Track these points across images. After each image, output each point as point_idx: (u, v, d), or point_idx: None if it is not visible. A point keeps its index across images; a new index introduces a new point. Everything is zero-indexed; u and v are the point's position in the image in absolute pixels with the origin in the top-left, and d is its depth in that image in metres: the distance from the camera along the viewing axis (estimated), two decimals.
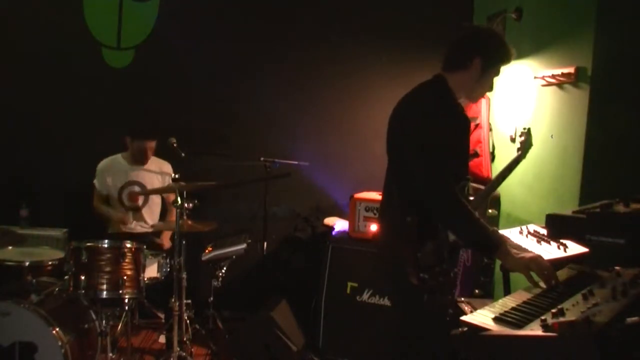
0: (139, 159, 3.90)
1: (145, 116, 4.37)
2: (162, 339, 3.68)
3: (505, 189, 3.65)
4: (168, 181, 3.82)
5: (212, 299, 3.80)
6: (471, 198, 2.38)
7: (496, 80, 2.28)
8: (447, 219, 2.09)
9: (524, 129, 2.87)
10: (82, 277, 2.97)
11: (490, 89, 2.33)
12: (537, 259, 2.00)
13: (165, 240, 3.89)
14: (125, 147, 3.94)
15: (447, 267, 2.19)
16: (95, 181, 3.93)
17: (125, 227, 3.90)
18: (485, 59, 2.17)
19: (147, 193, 3.92)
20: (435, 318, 2.16)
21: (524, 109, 3.50)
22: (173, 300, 3.17)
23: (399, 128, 2.19)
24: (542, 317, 1.52)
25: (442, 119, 2.12)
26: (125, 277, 3.03)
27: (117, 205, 3.92)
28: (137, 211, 3.94)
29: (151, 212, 4.00)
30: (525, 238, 2.66)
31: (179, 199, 3.19)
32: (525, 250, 2.44)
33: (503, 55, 2.21)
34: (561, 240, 2.47)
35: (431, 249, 2.12)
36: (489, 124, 3.99)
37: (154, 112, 4.38)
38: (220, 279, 3.75)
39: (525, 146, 2.84)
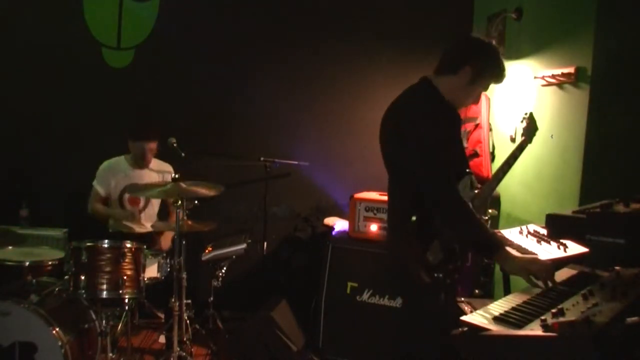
0: (140, 161, 3.89)
1: (145, 117, 4.37)
2: (162, 339, 3.68)
3: (505, 189, 3.65)
4: None
5: (212, 299, 3.81)
6: (476, 191, 2.37)
7: (483, 93, 2.28)
8: (448, 219, 2.09)
9: (526, 114, 2.81)
10: (82, 277, 2.97)
11: (476, 101, 2.34)
12: (536, 261, 2.00)
13: (165, 242, 3.88)
14: (128, 149, 3.93)
15: (460, 264, 2.20)
16: (95, 182, 3.90)
17: (127, 227, 3.89)
18: (475, 69, 2.16)
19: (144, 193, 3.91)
20: (449, 317, 2.16)
21: (524, 109, 3.49)
22: (173, 300, 3.17)
23: (395, 132, 2.19)
24: (542, 317, 1.53)
25: (436, 119, 2.13)
26: (125, 277, 3.03)
27: (117, 208, 3.91)
28: (139, 213, 3.93)
29: (149, 214, 4.00)
30: (525, 238, 2.66)
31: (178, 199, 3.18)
32: (525, 250, 2.44)
33: (494, 71, 2.21)
34: (561, 240, 2.47)
35: (439, 248, 2.13)
36: (489, 124, 3.99)
37: (154, 112, 4.38)
38: (220, 279, 3.75)
39: (530, 131, 2.76)
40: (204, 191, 3.20)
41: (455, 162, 2.23)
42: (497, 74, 2.22)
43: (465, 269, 2.31)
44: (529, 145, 2.76)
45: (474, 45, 2.26)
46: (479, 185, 2.71)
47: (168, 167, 4.00)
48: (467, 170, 2.27)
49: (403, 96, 2.23)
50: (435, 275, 2.11)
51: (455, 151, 2.27)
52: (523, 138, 2.74)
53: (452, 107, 2.27)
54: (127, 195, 3.88)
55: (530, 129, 2.75)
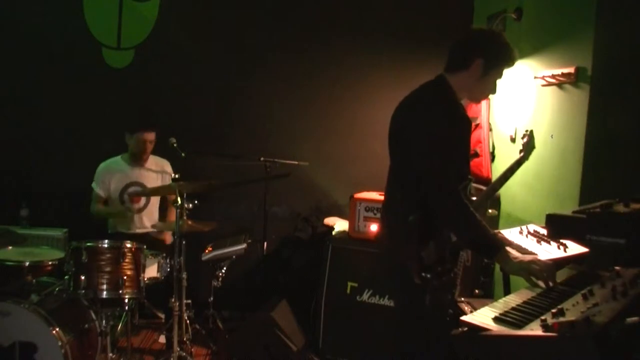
0: (139, 155, 3.87)
1: (143, 108, 4.35)
2: (162, 339, 3.68)
3: (505, 189, 3.64)
4: (168, 180, 3.81)
5: (212, 299, 3.81)
6: (473, 198, 2.38)
7: (499, 83, 2.27)
8: (449, 220, 2.09)
9: (526, 131, 2.85)
10: (82, 277, 2.97)
11: (493, 91, 2.31)
12: (536, 261, 2.00)
13: (167, 236, 3.89)
14: (125, 147, 3.93)
15: (450, 267, 2.20)
16: (94, 184, 3.90)
17: (126, 227, 3.90)
18: (487, 60, 2.16)
19: (146, 194, 3.91)
20: (436, 317, 2.16)
21: (524, 109, 3.50)
22: (173, 300, 3.17)
23: (403, 129, 2.19)
24: (542, 317, 1.53)
25: (445, 120, 2.12)
26: (125, 277, 3.03)
27: (118, 207, 3.91)
28: (139, 212, 3.93)
29: (150, 212, 4.00)
30: (525, 238, 2.66)
31: (179, 199, 3.19)
32: (525, 250, 2.44)
33: (505, 57, 2.20)
34: (561, 240, 2.47)
35: (434, 249, 2.13)
36: (489, 124, 3.99)
37: (154, 110, 4.38)
38: (220, 279, 3.75)
39: (528, 148, 2.81)
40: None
41: (460, 165, 2.22)
42: (509, 59, 2.21)
43: (465, 269, 2.31)
44: None
45: (480, 36, 2.26)
46: (481, 187, 2.73)
47: (166, 164, 4.01)
48: (469, 176, 2.27)
49: (415, 93, 2.22)
50: (423, 275, 2.11)
51: (461, 153, 2.26)
52: (521, 154, 2.78)
53: (464, 110, 2.27)
54: (126, 196, 3.88)
55: (529, 146, 2.80)
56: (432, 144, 2.06)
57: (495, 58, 2.18)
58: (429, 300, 2.11)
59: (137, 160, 3.90)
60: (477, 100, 2.37)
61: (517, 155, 2.91)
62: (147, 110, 4.35)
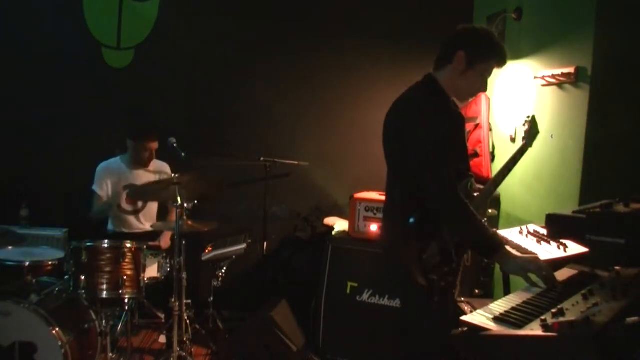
0: (142, 162, 3.87)
1: (145, 117, 4.36)
2: (162, 339, 3.68)
3: (505, 189, 3.65)
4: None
5: (212, 299, 3.81)
6: (476, 194, 2.37)
7: (491, 80, 2.25)
8: (448, 220, 2.09)
9: (528, 117, 2.80)
10: (82, 277, 2.97)
11: (483, 89, 2.29)
12: (535, 261, 2.00)
13: (164, 241, 3.88)
14: (124, 149, 3.92)
15: (456, 267, 2.19)
16: (95, 187, 3.89)
17: (126, 227, 3.89)
18: (468, 52, 2.13)
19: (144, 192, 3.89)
20: (445, 318, 2.16)
21: (524, 109, 3.50)
22: (173, 300, 3.17)
23: (397, 131, 2.18)
24: (542, 317, 1.53)
25: (438, 118, 2.11)
26: (125, 277, 3.03)
27: (116, 209, 3.90)
28: (136, 214, 3.92)
29: (149, 213, 4.00)
30: (525, 238, 2.66)
31: (178, 199, 3.18)
32: (525, 250, 2.44)
33: (489, 50, 2.16)
34: (561, 240, 2.47)
35: (436, 250, 2.12)
36: (489, 124, 3.99)
37: (154, 112, 4.38)
38: (220, 279, 3.75)
39: (531, 135, 2.75)
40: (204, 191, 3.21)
41: (457, 162, 2.22)
42: (493, 52, 2.16)
43: (465, 269, 2.31)
44: None
45: (463, 30, 2.23)
46: (481, 186, 2.72)
47: (165, 166, 4.00)
48: (469, 172, 2.27)
49: (406, 94, 2.22)
50: (430, 277, 2.11)
51: (458, 151, 2.25)
52: (524, 142, 2.73)
53: (456, 106, 2.26)
54: (124, 197, 3.87)
55: (532, 132, 2.73)
56: (426, 144, 2.05)
57: (478, 50, 2.14)
58: (437, 301, 2.11)
59: (139, 163, 3.90)
60: (463, 98, 2.33)
61: None
62: (150, 119, 4.33)
